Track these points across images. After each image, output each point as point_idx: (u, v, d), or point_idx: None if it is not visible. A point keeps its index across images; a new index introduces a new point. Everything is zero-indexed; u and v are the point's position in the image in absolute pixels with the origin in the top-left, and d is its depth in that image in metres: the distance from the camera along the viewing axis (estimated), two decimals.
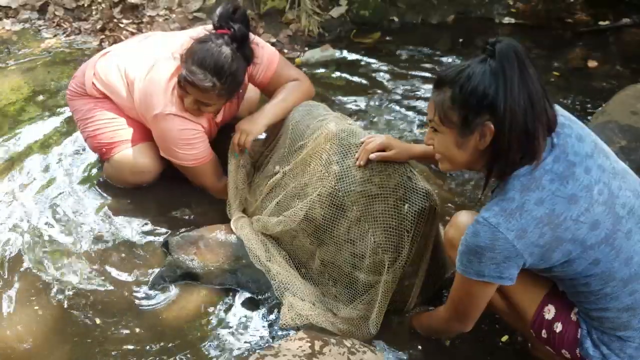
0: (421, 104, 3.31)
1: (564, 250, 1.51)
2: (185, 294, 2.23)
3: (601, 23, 4.16)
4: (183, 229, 2.40)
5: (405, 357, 2.02)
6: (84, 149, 2.86)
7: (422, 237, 1.99)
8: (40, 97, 3.35)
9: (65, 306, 2.18)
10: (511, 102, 1.42)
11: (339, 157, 2.09)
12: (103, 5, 4.12)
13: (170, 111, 2.30)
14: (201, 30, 2.32)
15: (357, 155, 2.05)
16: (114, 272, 2.32)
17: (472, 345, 2.03)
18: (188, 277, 2.26)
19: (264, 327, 2.12)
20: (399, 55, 3.83)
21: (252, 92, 2.70)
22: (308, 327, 2.03)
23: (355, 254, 2.06)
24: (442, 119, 1.53)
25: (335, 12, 4.10)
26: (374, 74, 3.62)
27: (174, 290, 2.24)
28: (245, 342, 2.06)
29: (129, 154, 2.53)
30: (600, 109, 3.03)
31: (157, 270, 2.31)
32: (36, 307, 2.17)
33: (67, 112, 3.11)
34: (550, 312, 1.70)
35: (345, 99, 3.37)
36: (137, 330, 2.11)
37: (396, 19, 4.19)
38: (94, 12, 4.17)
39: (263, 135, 2.52)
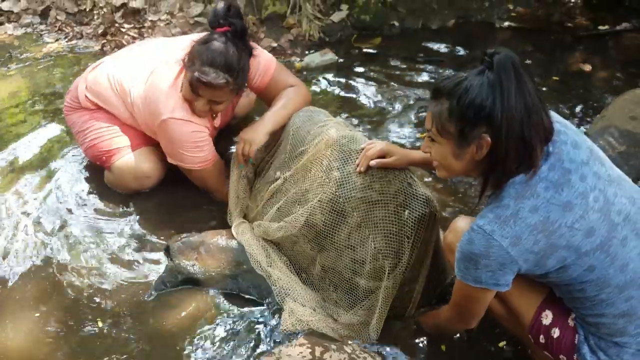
0: (421, 110, 3.31)
1: (558, 256, 1.52)
2: (186, 299, 2.24)
3: (601, 27, 4.17)
4: (184, 234, 2.41)
5: None
6: (84, 156, 2.87)
7: (423, 243, 2.00)
8: (42, 101, 3.37)
9: (66, 310, 2.20)
10: (508, 113, 1.44)
11: (340, 163, 2.10)
12: (105, 9, 4.13)
13: (178, 116, 2.33)
14: (195, 36, 2.36)
15: (357, 161, 2.06)
16: (115, 277, 2.33)
17: (471, 350, 2.04)
18: (189, 283, 2.27)
19: (264, 332, 2.13)
20: (399, 60, 3.84)
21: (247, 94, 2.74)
22: (309, 333, 2.04)
23: (356, 259, 2.07)
24: (440, 130, 1.55)
25: (336, 17, 4.11)
26: (374, 79, 3.63)
27: (175, 296, 2.25)
28: (246, 348, 2.07)
29: (130, 160, 2.55)
30: (599, 114, 3.03)
31: (158, 275, 2.32)
32: (37, 309, 2.19)
33: None
34: (547, 317, 1.72)
35: (345, 104, 3.38)
36: (138, 335, 2.11)
37: (397, 24, 4.20)
38: (95, 17, 4.19)
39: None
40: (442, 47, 4.00)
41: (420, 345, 2.07)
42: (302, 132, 2.32)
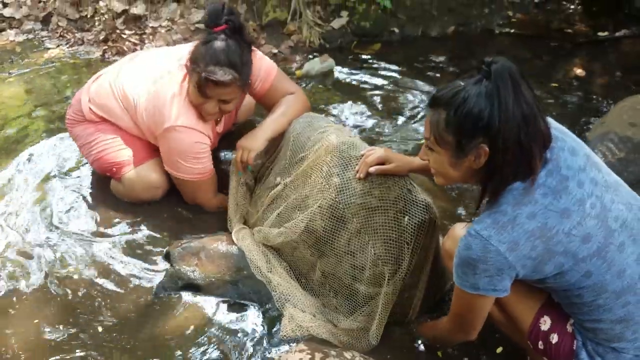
0: (421, 117, 3.33)
1: (556, 262, 1.53)
2: (186, 304, 2.25)
3: (600, 34, 4.20)
4: (184, 240, 2.42)
5: None
6: (85, 162, 2.88)
7: (422, 249, 2.01)
8: (44, 107, 3.38)
9: (67, 315, 2.20)
10: (505, 123, 1.44)
11: (340, 169, 2.10)
12: (106, 16, 4.15)
13: (182, 123, 2.33)
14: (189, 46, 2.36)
15: (357, 167, 2.07)
16: (115, 283, 2.34)
17: (469, 356, 2.04)
18: (189, 288, 2.28)
19: (264, 338, 2.13)
20: (399, 67, 3.85)
21: (247, 99, 2.74)
22: (309, 339, 2.04)
23: (356, 265, 2.08)
24: (437, 140, 1.55)
25: (336, 24, 4.13)
26: (374, 85, 3.65)
27: (175, 301, 2.26)
28: (246, 354, 2.08)
29: (141, 172, 2.55)
30: (598, 120, 3.04)
31: (158, 281, 2.32)
32: (37, 314, 2.19)
33: None
34: (546, 323, 1.72)
35: (345, 110, 3.39)
36: (139, 340, 2.12)
37: (397, 31, 4.22)
38: (96, 23, 4.21)
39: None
40: (441, 54, 4.02)
41: (419, 351, 2.07)
42: (302, 138, 2.32)
